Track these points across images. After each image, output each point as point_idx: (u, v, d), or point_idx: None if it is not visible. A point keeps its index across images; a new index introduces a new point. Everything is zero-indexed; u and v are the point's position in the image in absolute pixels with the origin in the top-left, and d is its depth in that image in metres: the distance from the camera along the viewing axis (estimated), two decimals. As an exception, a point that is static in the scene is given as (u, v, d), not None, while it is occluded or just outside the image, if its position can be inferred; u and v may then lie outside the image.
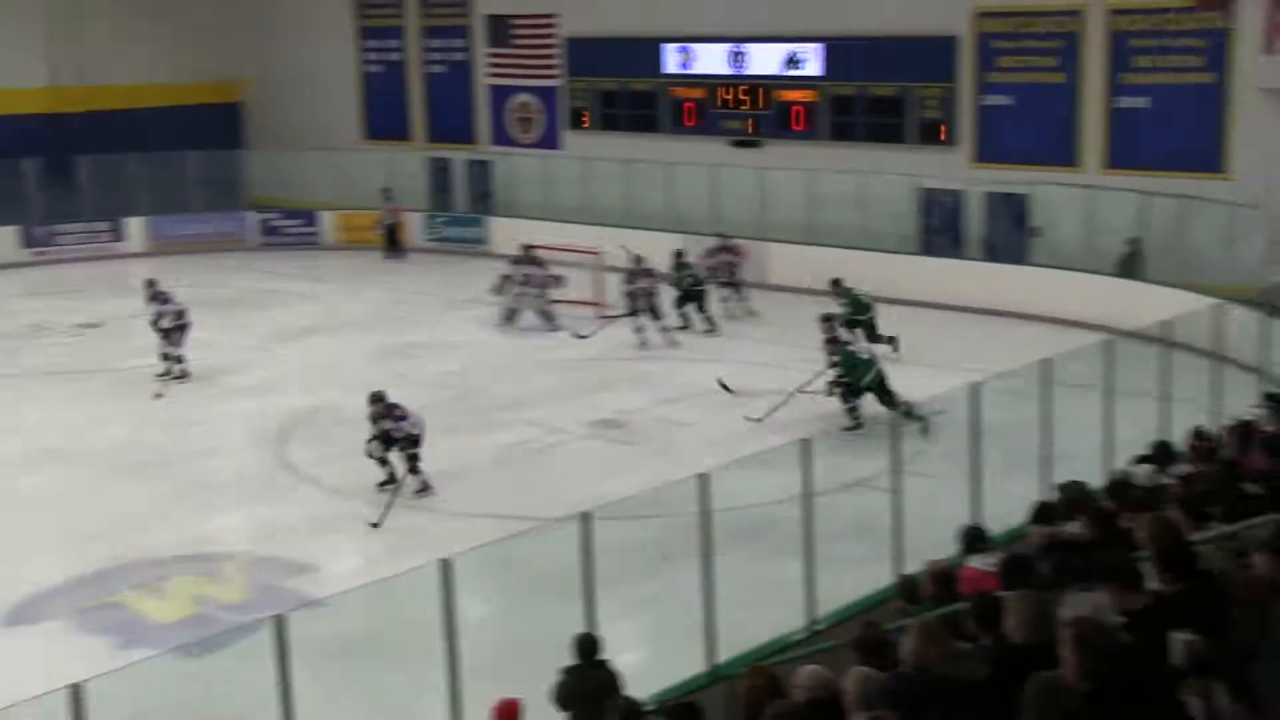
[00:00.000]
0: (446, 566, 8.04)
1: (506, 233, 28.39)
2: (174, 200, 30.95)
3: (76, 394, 19.24)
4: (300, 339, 22.48)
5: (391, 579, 9.79)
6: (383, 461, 14.81)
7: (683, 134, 28.07)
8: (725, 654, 9.30)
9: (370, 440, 14.80)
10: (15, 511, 14.70)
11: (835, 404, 16.73)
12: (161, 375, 19.49)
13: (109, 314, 24.49)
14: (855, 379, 16.66)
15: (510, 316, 22.59)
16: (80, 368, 20.67)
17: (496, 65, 31.33)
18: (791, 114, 26.70)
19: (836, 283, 20.49)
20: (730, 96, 27.51)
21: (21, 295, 26.51)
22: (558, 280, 22.45)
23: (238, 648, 10.33)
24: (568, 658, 8.45)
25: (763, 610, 10.24)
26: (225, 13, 34.46)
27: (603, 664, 8.45)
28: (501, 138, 31.47)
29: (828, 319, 17.93)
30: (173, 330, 19.74)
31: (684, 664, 9.29)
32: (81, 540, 13.68)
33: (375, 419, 14.78)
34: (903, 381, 17.26)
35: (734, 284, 23.27)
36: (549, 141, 30.54)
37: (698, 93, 27.95)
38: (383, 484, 14.78)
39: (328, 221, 31.03)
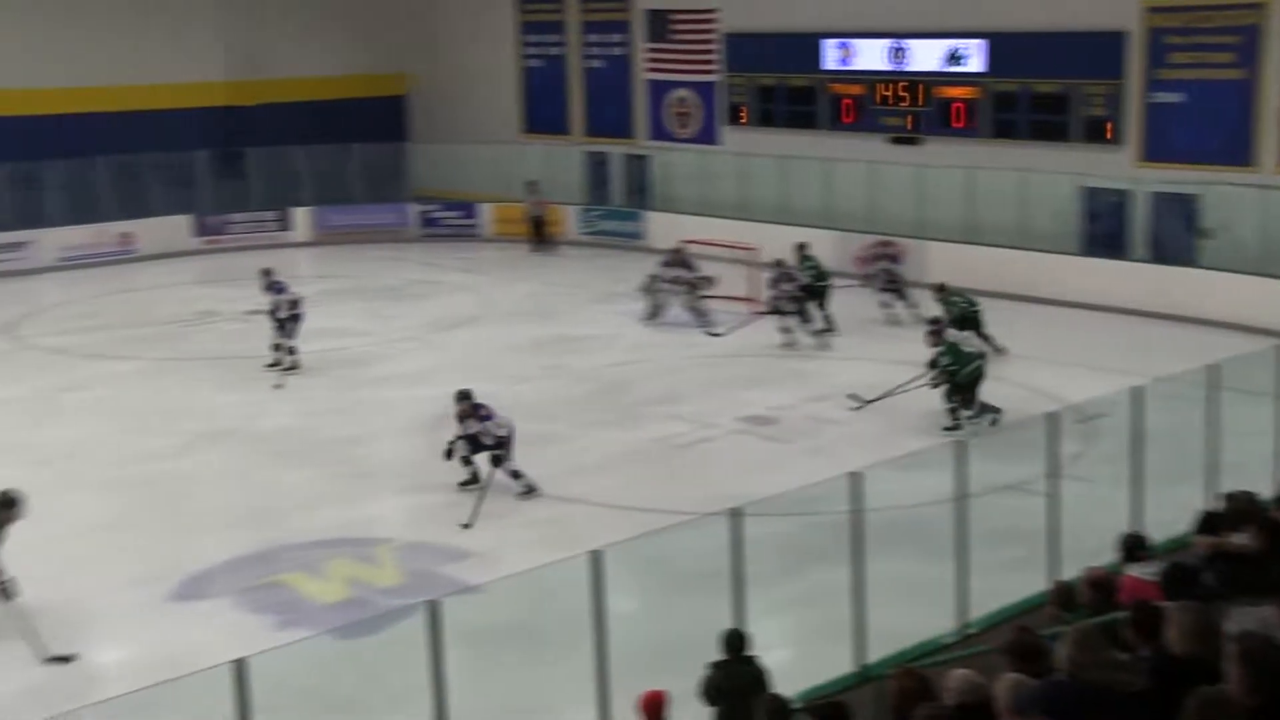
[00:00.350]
0: (597, 558, 8.09)
1: (663, 227, 28.49)
2: (339, 191, 31.73)
3: (241, 379, 19.78)
4: (456, 329, 22.83)
5: (542, 568, 9.88)
6: (466, 461, 14.78)
7: (840, 131, 27.83)
8: (874, 654, 9.21)
9: (455, 439, 14.78)
10: (182, 492, 15.17)
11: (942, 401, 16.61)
12: (271, 365, 19.87)
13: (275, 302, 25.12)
14: (958, 368, 16.49)
15: (655, 313, 22.63)
16: (246, 354, 21.24)
17: (655, 60, 31.42)
18: (952, 111, 26.29)
19: (943, 287, 20.11)
20: (890, 93, 27.18)
21: (192, 282, 27.38)
22: (707, 281, 22.40)
23: (392, 631, 10.55)
24: (715, 653, 8.44)
25: (912, 612, 10.12)
26: (392, 8, 35.18)
27: (751, 660, 8.43)
28: (659, 132, 31.56)
29: (935, 322, 17.79)
30: (287, 320, 20.03)
31: (832, 663, 9.22)
32: (244, 521, 14.08)
33: (461, 418, 14.75)
34: (1064, 383, 16.98)
35: (895, 288, 22.49)
36: (706, 137, 30.54)
37: (857, 89, 27.68)
38: (464, 484, 14.74)
39: (486, 214, 31.48)
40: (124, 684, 10.11)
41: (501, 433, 14.67)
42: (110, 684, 10.57)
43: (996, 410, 16.56)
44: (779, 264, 21.26)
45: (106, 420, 17.99)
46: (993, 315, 22.52)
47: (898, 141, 27.06)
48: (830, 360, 20.17)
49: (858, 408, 17.22)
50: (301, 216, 31.46)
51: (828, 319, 21.40)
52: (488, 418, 14.70)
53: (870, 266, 22.66)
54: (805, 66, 28.33)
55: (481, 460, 14.72)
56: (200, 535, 13.76)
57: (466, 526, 13.87)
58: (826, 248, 24.50)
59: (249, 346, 21.68)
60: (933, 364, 16.72)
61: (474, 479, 14.71)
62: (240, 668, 6.88)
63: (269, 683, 7.10)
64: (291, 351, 20.01)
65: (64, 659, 11.15)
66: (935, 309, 19.29)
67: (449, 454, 14.72)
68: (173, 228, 30.09)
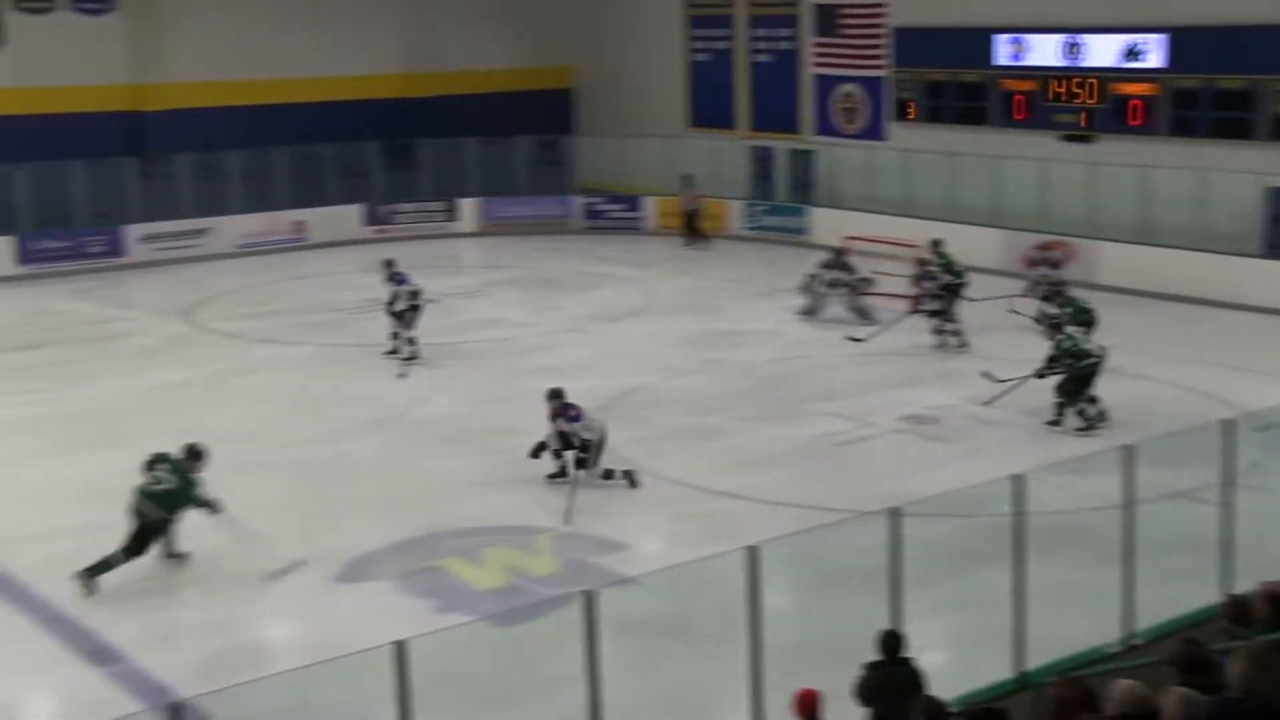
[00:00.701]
0: (753, 554, 8.05)
1: (826, 223, 28.31)
2: (505, 182, 32.17)
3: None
4: (617, 321, 22.95)
5: (698, 562, 9.87)
6: (556, 455, 14.83)
7: (1010, 128, 27.28)
8: (1034, 661, 9.00)
9: (548, 434, 14.86)
10: (346, 476, 15.49)
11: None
12: (390, 354, 20.09)
13: (440, 291, 25.54)
14: (1077, 358, 16.26)
15: (813, 310, 22.47)
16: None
17: (823, 55, 31.20)
18: (1129, 108, 25.57)
19: (1059, 289, 19.74)
20: (1063, 90, 26.53)
21: (360, 271, 27.91)
22: (865, 283, 22.15)
23: (548, 620, 10.66)
24: (870, 652, 8.34)
25: (1075, 619, 9.88)
26: (562, 2, 35.54)
27: (907, 661, 8.30)
28: (825, 127, 31.33)
29: (1054, 317, 17.56)
30: (406, 311, 20.20)
31: (990, 668, 9.04)
32: (405, 506, 14.34)
33: (553, 416, 14.84)
34: (1242, 389, 16.45)
35: (1056, 294, 21.72)
36: (872, 132, 30.22)
37: (1029, 85, 27.10)
38: (551, 476, 14.82)
39: (650, 207, 31.60)
40: (288, 661, 10.39)
41: (589, 436, 14.73)
42: (276, 660, 10.88)
43: (1102, 414, 16.32)
44: (921, 262, 20.97)
45: (275, 404, 18.48)
46: (1168, 318, 21.96)
47: (1070, 139, 26.43)
48: (995, 361, 19.75)
49: (995, 382, 17.13)
50: (468, 207, 31.96)
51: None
52: (576, 419, 14.79)
53: (1031, 271, 21.96)
54: (976, 62, 27.84)
55: (571, 457, 14.79)
56: (362, 519, 14.05)
57: (568, 524, 13.81)
58: (993, 247, 24.09)
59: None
60: (1053, 357, 16.52)
61: (561, 473, 14.81)
62: (400, 649, 6.99)
63: (427, 665, 7.20)
64: (411, 342, 20.23)
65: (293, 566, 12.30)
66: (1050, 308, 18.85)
67: (535, 453, 14.85)
68: (344, 217, 30.82)
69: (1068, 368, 16.33)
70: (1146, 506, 9.98)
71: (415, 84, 34.21)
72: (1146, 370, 18.81)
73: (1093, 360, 16.38)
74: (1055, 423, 16.33)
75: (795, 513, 13.27)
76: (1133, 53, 25.47)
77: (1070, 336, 16.66)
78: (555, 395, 15.02)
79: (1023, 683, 8.86)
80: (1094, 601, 9.95)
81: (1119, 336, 20.68)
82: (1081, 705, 5.98)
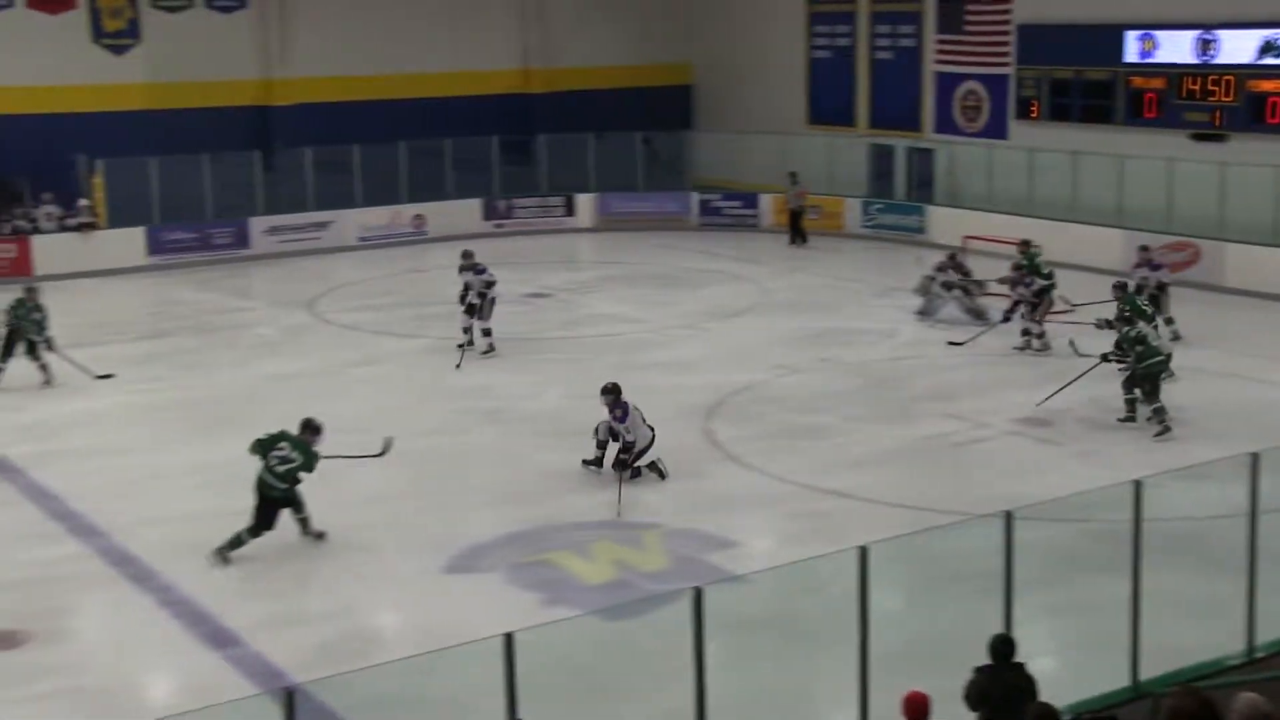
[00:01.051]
0: (863, 554, 7.99)
1: (945, 222, 27.99)
2: (622, 178, 32.26)
3: (518, 360, 20.27)
4: (730, 318, 22.89)
5: (807, 561, 9.82)
6: (601, 445, 14.92)
7: (1137, 126, 26.71)
8: (1150, 671, 8.81)
9: (599, 425, 14.97)
10: (459, 467, 15.64)
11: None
12: (462, 345, 20.17)
13: (557, 285, 25.76)
14: (1146, 353, 16.12)
15: (928, 311, 22.21)
16: (524, 335, 21.78)
17: (946, 52, 30.82)
18: (1266, 106, 24.86)
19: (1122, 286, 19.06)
20: (1196, 87, 25.89)
21: (479, 264, 28.18)
22: (980, 285, 21.82)
23: (655, 615, 10.67)
24: (979, 656, 8.22)
25: (1193, 629, 9.67)
26: (681, -2, 35.62)
27: (1019, 667, 8.17)
28: (945, 125, 30.95)
29: (1122, 314, 17.19)
30: (478, 304, 20.33)
31: (1103, 676, 8.87)
32: (516, 499, 14.43)
33: (610, 409, 14.91)
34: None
35: (1155, 298, 20.14)
36: (995, 130, 29.78)
37: (1158, 83, 26.51)
38: (586, 462, 14.97)
39: (766, 204, 31.45)
40: (399, 649, 10.55)
41: (630, 438, 14.75)
42: (388, 648, 11.05)
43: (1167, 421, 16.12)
44: (1018, 266, 20.63)
45: (391, 395, 18.71)
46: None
47: (1200, 138, 25.80)
48: (1112, 363, 19.38)
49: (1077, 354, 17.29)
50: (585, 203, 32.10)
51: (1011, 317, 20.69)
52: (621, 419, 14.80)
53: (1132, 274, 21.20)
54: (1104, 59, 27.30)
55: (613, 453, 14.89)
56: (473, 510, 14.17)
57: (617, 515, 13.88)
58: (1116, 247, 23.64)
59: (528, 328, 22.25)
60: (1119, 347, 16.48)
61: (597, 463, 14.92)
62: (509, 641, 7.03)
63: (534, 656, 7.25)
64: (486, 334, 20.35)
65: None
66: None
67: (596, 433, 15.03)
68: (463, 211, 31.12)
69: (1138, 356, 16.19)
70: (1272, 516, 9.71)
71: (534, 79, 34.50)
72: (1273, 375, 18.33)
73: (1159, 360, 16.26)
74: (1127, 419, 16.38)
75: (906, 514, 13.13)
76: (1270, 48, 24.76)
77: (1139, 329, 16.48)
78: (607, 391, 15.07)
79: (1137, 692, 8.68)
80: (1214, 612, 9.73)
81: (1243, 341, 20.25)
82: (1199, 718, 5.83)
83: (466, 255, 21.01)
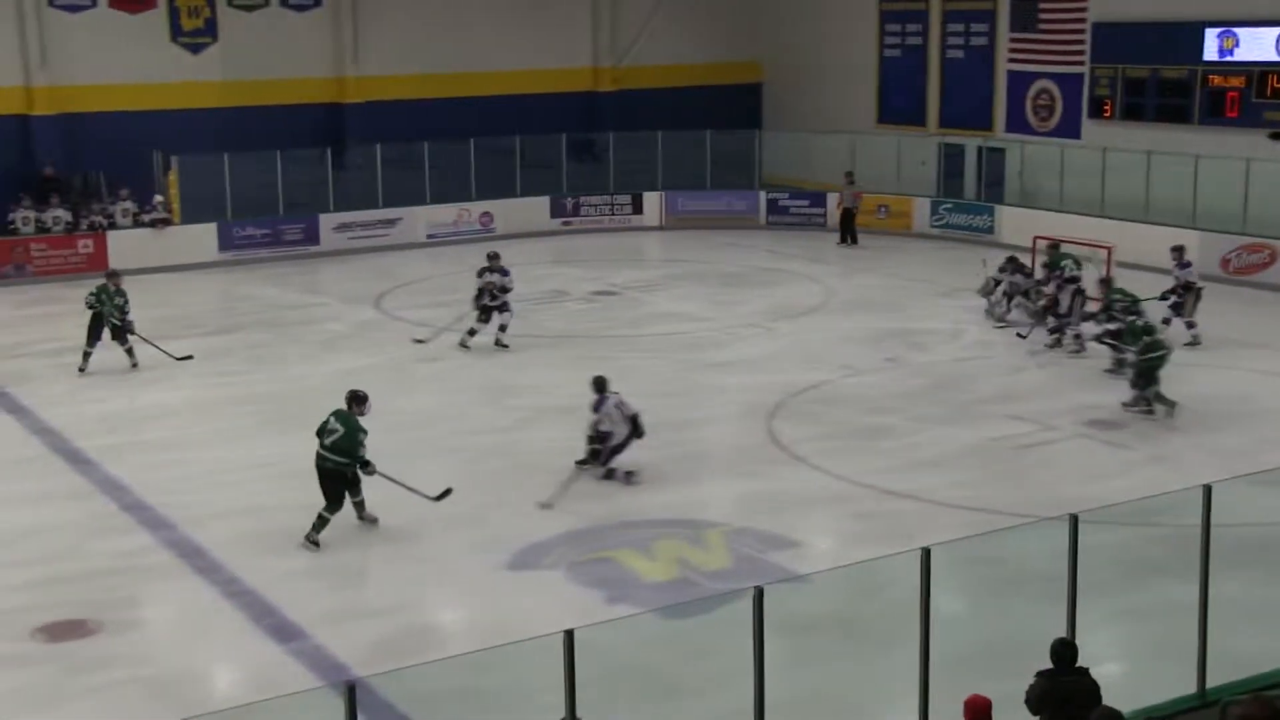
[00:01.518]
0: (926, 556, 7.94)
1: (1016, 222, 27.72)
2: (691, 177, 32.23)
3: (582, 357, 20.25)
4: (797, 318, 22.81)
5: (870, 562, 9.77)
6: (590, 440, 14.99)
7: (1214, 125, 26.31)
8: (1217, 679, 8.69)
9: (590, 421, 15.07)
10: (522, 464, 15.65)
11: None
12: (462, 345, 20.56)
13: (623, 283, 25.78)
14: (1152, 345, 16.51)
15: (994, 311, 22.05)
16: (589, 333, 21.82)
17: (1019, 50, 30.53)
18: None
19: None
20: (1279, 85, 25.47)
21: (548, 262, 28.33)
22: (1041, 286, 21.61)
23: (717, 614, 10.66)
24: (1042, 660, 8.14)
25: (1262, 637, 9.50)
26: (751, -5, 35.54)
27: (1083, 672, 8.08)
28: (1017, 124, 30.65)
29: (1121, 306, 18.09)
30: (491, 305, 20.45)
31: (1169, 683, 8.76)
32: (578, 496, 14.42)
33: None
34: None
35: (1181, 300, 20.26)
36: (1067, 130, 29.45)
37: (1238, 81, 26.10)
38: (580, 463, 14.95)
39: (834, 203, 31.28)
40: (460, 645, 10.61)
41: (604, 429, 14.78)
42: (449, 643, 11.11)
43: (1170, 404, 16.51)
44: (1045, 265, 20.67)
45: (456, 392, 18.81)
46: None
47: (1277, 137, 25.37)
48: (1183, 366, 19.14)
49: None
50: (653, 201, 32.11)
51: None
52: (595, 408, 14.86)
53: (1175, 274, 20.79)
54: (1182, 57, 26.92)
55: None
56: (536, 507, 14.20)
57: (546, 505, 14.07)
58: (1190, 248, 23.30)
59: (593, 326, 22.29)
60: (1117, 334, 17.08)
61: (588, 460, 14.98)
62: (569, 638, 7.05)
63: (595, 655, 7.27)
64: (471, 333, 20.62)
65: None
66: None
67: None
68: (531, 208, 31.24)
69: (1145, 347, 16.47)
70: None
71: (604, 78, 34.58)
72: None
73: (1159, 355, 16.56)
74: (1133, 405, 16.70)
75: (970, 516, 13.04)
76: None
77: (1148, 325, 16.87)
78: (594, 383, 15.11)
79: (1204, 700, 8.56)
80: (1282, 620, 9.58)
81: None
82: (1266, 727, 5.74)
83: (493, 257, 21.14)
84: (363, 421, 13.36)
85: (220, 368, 20.20)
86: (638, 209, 32.02)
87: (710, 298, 24.58)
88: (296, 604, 11.92)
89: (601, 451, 14.84)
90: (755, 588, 7.65)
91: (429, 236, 30.11)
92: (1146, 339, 16.64)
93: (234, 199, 28.47)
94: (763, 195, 32.16)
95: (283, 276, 27.04)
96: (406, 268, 27.84)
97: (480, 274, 20.83)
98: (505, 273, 20.75)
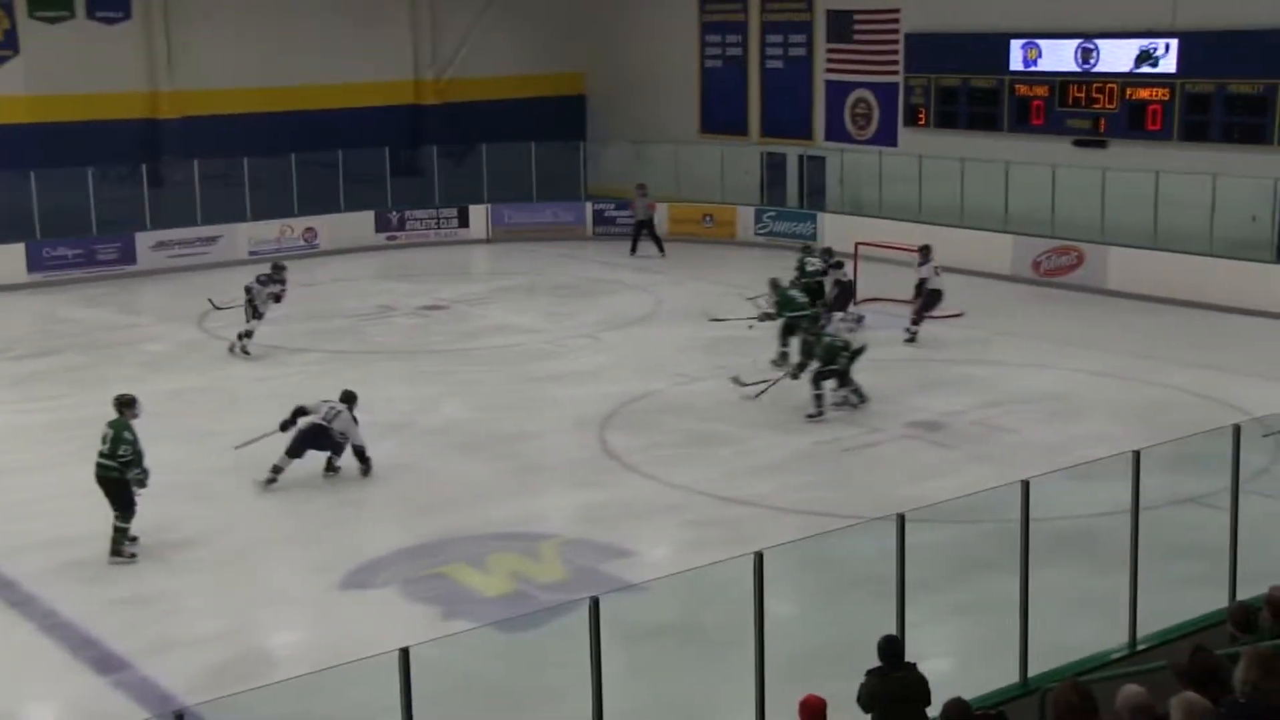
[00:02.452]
0: (759, 560, 8.01)
1: (838, 229, 28.25)
2: (517, 189, 32.15)
3: (415, 373, 20.13)
4: (628, 328, 22.92)
5: (704, 569, 9.82)
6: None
7: (1023, 133, 27.23)
8: (1039, 667, 8.94)
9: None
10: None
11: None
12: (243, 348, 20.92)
13: (451, 297, 25.60)
14: (834, 349, 17.41)
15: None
16: (421, 348, 21.62)
17: (836, 61, 31.16)
18: (1146, 113, 25.45)
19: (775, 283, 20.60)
20: (1081, 94, 26.45)
21: (373, 277, 28.02)
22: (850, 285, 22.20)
23: (553, 626, 10.62)
24: (875, 659, 8.29)
25: (1080, 624, 9.82)
26: (573, 9, 35.59)
27: (909, 668, 8.25)
28: (836, 133, 31.29)
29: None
30: (261, 311, 21.13)
31: (994, 674, 8.98)
32: (413, 512, 14.31)
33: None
34: (1252, 395, 16.41)
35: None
36: (884, 138, 30.17)
37: (1042, 90, 27.04)
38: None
39: (661, 213, 31.51)
40: (293, 668, 10.39)
41: (322, 421, 15.16)
42: (280, 668, 10.86)
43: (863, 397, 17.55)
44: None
45: (286, 410, 18.40)
46: (1177, 323, 21.88)
47: (1082, 144, 26.36)
48: (1007, 367, 19.74)
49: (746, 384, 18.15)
50: (479, 214, 31.96)
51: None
52: (329, 417, 15.21)
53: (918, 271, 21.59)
54: (990, 67, 27.79)
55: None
56: (370, 525, 14.05)
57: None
58: (1004, 252, 24.08)
59: (424, 341, 22.09)
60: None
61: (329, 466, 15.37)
62: (405, 656, 6.96)
63: (431, 672, 7.17)
64: (248, 335, 21.08)
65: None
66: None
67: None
68: (356, 223, 30.85)
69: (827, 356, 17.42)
70: (1154, 512, 9.92)
71: (426, 91, 34.31)
72: (1154, 376, 18.74)
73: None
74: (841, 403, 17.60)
75: (804, 519, 13.24)
76: (1145, 57, 25.37)
77: (831, 335, 17.80)
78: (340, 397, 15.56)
79: (1026, 689, 8.79)
80: (1100, 608, 9.89)
81: (1128, 342, 20.69)
82: (1085, 711, 5.93)
83: (281, 268, 21.65)
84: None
85: (36, 392, 19.50)
86: (464, 222, 31.85)
87: (541, 310, 24.56)
88: (120, 634, 11.55)
89: (334, 458, 15.25)
90: (590, 598, 7.64)
91: (251, 253, 29.47)
92: (842, 350, 17.48)
93: (43, 218, 27.53)
94: (589, 206, 32.28)
95: (98, 297, 26.23)
96: (229, 286, 27.14)
97: (269, 283, 21.20)
98: (280, 283, 21.29)
